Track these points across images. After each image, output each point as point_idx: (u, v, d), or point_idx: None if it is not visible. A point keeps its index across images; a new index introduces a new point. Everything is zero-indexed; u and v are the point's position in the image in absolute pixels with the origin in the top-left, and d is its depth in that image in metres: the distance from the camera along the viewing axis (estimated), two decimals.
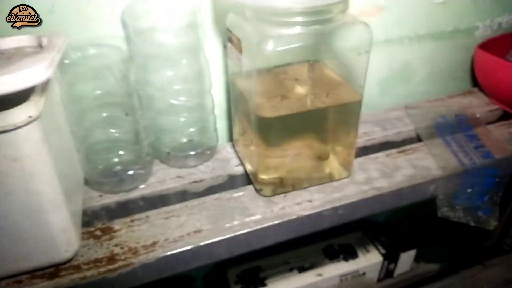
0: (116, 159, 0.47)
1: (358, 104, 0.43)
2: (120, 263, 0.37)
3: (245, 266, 0.73)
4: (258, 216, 0.42)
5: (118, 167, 0.46)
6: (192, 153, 0.49)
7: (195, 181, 0.48)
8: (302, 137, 0.45)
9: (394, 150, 0.52)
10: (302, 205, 0.44)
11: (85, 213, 0.44)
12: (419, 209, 0.70)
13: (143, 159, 0.47)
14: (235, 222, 0.42)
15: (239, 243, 0.41)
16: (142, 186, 0.47)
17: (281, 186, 0.46)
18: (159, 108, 0.47)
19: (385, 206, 0.47)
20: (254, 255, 0.74)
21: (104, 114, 0.44)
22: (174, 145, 0.50)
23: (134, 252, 0.39)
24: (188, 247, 0.39)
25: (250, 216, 0.42)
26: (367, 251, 0.75)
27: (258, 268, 0.72)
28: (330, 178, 0.47)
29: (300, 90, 0.44)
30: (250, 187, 0.46)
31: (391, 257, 0.74)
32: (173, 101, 0.46)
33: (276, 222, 0.42)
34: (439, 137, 0.54)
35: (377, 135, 0.56)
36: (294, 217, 0.42)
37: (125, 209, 0.46)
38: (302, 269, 0.72)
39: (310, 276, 0.70)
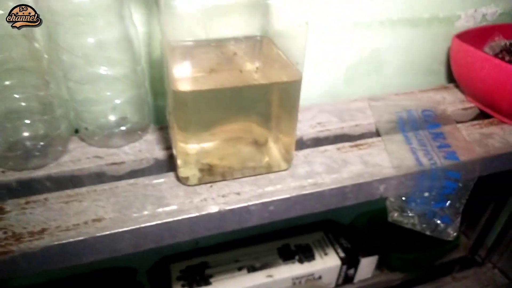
0: (25, 134, 0.41)
1: (296, 84, 0.37)
2: None
3: (192, 261, 0.67)
4: (173, 207, 0.37)
5: (27, 142, 0.41)
6: (116, 131, 0.44)
7: (115, 163, 0.42)
8: (234, 119, 0.39)
9: (347, 144, 0.46)
10: (228, 198, 0.38)
11: None
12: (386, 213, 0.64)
13: (55, 134, 0.41)
14: (145, 212, 0.36)
15: (147, 236, 0.35)
16: (52, 165, 0.41)
17: (210, 175, 0.40)
18: (77, 77, 0.41)
19: (325, 205, 0.41)
20: (202, 250, 0.69)
21: (7, 82, 0.38)
22: (96, 121, 0.44)
23: (18, 238, 0.33)
24: (81, 238, 0.33)
25: (164, 206, 0.37)
26: (326, 254, 0.69)
27: (204, 264, 0.66)
28: (267, 170, 0.41)
29: (234, 65, 0.39)
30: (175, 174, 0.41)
31: (350, 262, 0.69)
32: (93, 70, 0.40)
33: (192, 215, 0.36)
34: (399, 132, 0.48)
35: (333, 126, 0.50)
36: (214, 210, 0.37)
37: (29, 189, 0.40)
38: (252, 269, 0.66)
39: (260, 277, 0.65)
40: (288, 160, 0.42)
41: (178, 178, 0.40)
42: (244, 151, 0.41)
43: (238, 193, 0.39)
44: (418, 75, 0.62)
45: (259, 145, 0.42)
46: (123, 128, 0.44)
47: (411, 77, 0.62)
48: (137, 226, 0.35)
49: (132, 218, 0.35)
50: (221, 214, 0.37)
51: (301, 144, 0.48)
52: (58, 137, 0.42)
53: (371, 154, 0.45)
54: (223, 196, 0.38)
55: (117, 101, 0.43)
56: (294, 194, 0.39)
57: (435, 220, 0.45)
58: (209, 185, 0.40)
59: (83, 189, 0.38)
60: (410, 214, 0.44)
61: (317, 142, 0.49)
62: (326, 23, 0.52)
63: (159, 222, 0.35)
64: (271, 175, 0.41)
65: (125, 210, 0.36)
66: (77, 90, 0.41)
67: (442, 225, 0.46)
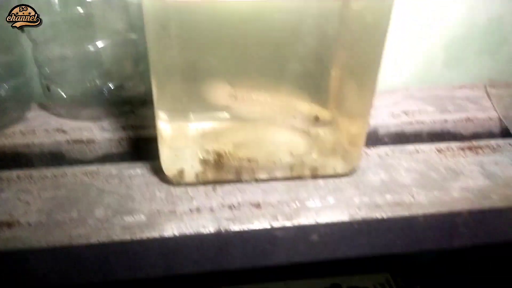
0: None
1: (382, 12, 0.20)
2: None
3: None
4: (139, 217, 0.21)
5: None
6: (97, 97, 0.29)
7: (80, 141, 0.28)
8: (263, 77, 0.23)
9: (454, 144, 0.28)
10: (239, 211, 0.21)
11: None
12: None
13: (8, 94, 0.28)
14: (89, 221, 0.20)
15: (77, 264, 0.20)
16: None
17: (216, 170, 0.24)
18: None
19: (416, 243, 0.23)
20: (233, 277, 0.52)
21: None
22: (71, 80, 0.30)
23: None
24: None
25: (125, 214, 0.21)
26: None
27: None
28: (314, 171, 0.24)
29: None
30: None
31: None
32: None
33: (168, 234, 0.20)
34: None
35: (428, 117, 0.31)
36: (209, 230, 0.20)
37: None
38: None
39: None
40: (352, 159, 0.24)
41: (155, 170, 0.24)
42: (278, 137, 0.25)
43: (258, 205, 0.22)
44: None
45: (305, 129, 0.25)
46: (105, 93, 0.29)
47: None
48: (64, 244, 0.19)
49: (62, 228, 0.20)
50: (220, 238, 0.20)
51: (375, 139, 0.30)
52: (12, 98, 0.28)
53: (499, 163, 0.26)
54: (231, 206, 0.22)
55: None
56: (358, 217, 0.21)
57: None
58: (210, 186, 0.23)
59: (13, 173, 0.24)
60: None
61: (401, 138, 0.31)
62: None
63: (105, 241, 0.19)
64: (320, 181, 0.24)
65: (58, 213, 0.21)
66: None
67: None
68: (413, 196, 0.23)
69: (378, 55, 0.22)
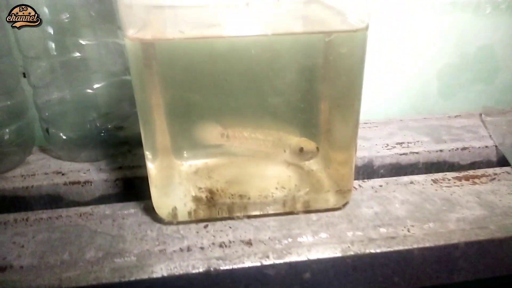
0: None
1: (357, 39, 0.21)
2: None
3: None
4: (129, 259, 0.21)
5: None
6: (95, 139, 0.30)
7: (78, 183, 0.28)
8: (252, 114, 0.23)
9: (450, 175, 0.27)
10: (230, 249, 0.21)
11: None
12: None
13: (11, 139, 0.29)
14: (80, 264, 0.21)
15: None
16: None
17: (209, 208, 0.24)
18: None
19: (412, 280, 0.22)
20: None
21: None
22: (66, 125, 0.31)
23: None
24: None
25: (115, 256, 0.21)
26: None
27: None
28: (307, 205, 0.24)
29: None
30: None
31: None
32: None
33: (157, 275, 0.20)
34: None
35: (423, 148, 0.31)
36: (198, 269, 0.20)
37: None
38: None
39: None
40: (344, 191, 0.24)
41: (145, 210, 0.24)
42: (270, 172, 0.25)
43: (249, 242, 0.22)
44: None
45: (296, 163, 0.25)
46: (104, 135, 0.30)
47: None
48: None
49: (54, 271, 0.20)
50: (210, 278, 0.20)
51: (370, 171, 0.30)
52: (13, 142, 0.29)
53: (496, 192, 0.25)
54: (222, 245, 0.22)
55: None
56: (351, 252, 0.21)
57: None
58: (203, 224, 0.23)
59: (11, 216, 0.24)
60: None
61: (397, 170, 0.30)
62: (407, 3, 0.36)
63: (94, 283, 0.19)
64: (313, 216, 0.24)
65: (50, 256, 0.21)
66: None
67: None
68: (408, 229, 0.22)
69: (358, 85, 0.22)
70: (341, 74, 0.22)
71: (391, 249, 0.21)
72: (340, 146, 0.24)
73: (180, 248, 0.21)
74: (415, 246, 0.21)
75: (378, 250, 0.21)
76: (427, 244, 0.21)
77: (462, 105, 0.40)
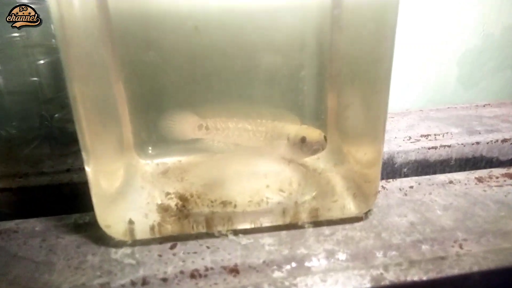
0: None
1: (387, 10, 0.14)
2: None
3: None
4: None
5: None
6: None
7: (9, 190, 0.21)
8: (241, 97, 0.17)
9: (497, 171, 0.21)
10: (204, 281, 0.14)
11: None
12: None
13: None
14: None
15: None
16: None
17: (180, 220, 0.17)
18: None
19: None
20: None
21: None
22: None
23: None
24: None
25: None
26: None
27: None
28: (314, 214, 0.17)
29: None
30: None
31: None
32: None
33: None
34: None
35: (455, 141, 0.25)
36: None
37: None
38: None
39: None
40: (365, 195, 0.17)
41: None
42: (263, 170, 0.19)
43: (235, 270, 0.15)
44: None
45: (299, 159, 0.19)
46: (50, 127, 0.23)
47: None
48: None
49: None
50: None
51: (390, 169, 0.24)
52: None
53: None
54: (195, 274, 0.15)
55: None
56: (386, 281, 0.14)
57: None
58: (169, 244, 0.16)
59: None
60: None
61: (424, 167, 0.24)
62: None
63: None
64: (325, 229, 0.17)
65: None
66: None
67: None
68: (459, 245, 0.16)
69: (388, 54, 0.16)
70: (364, 44, 0.16)
71: (442, 275, 0.15)
72: (362, 134, 0.18)
73: (132, 281, 0.14)
74: (475, 269, 0.15)
75: (425, 278, 0.14)
76: (492, 266, 0.15)
77: (485, 94, 0.34)
